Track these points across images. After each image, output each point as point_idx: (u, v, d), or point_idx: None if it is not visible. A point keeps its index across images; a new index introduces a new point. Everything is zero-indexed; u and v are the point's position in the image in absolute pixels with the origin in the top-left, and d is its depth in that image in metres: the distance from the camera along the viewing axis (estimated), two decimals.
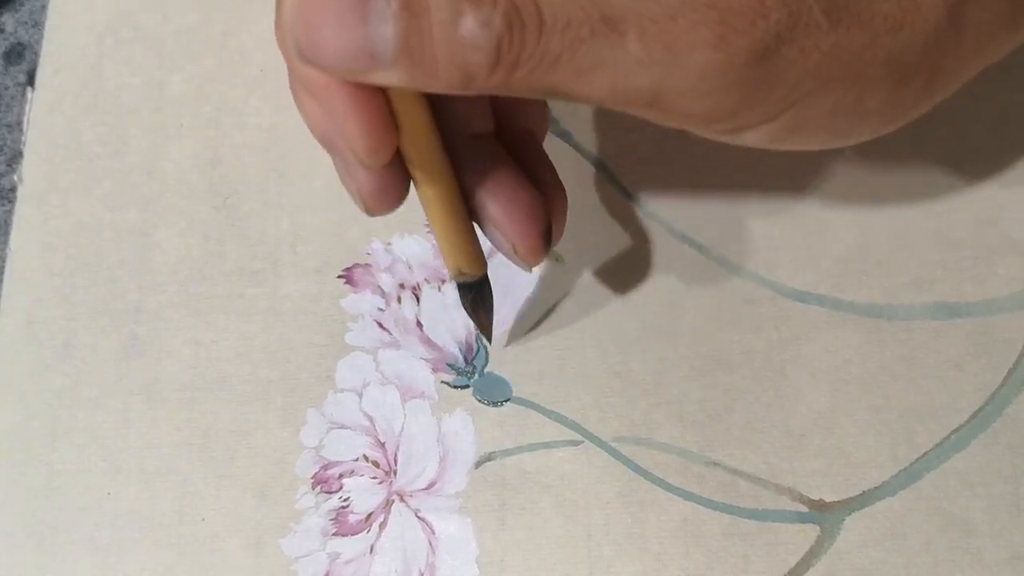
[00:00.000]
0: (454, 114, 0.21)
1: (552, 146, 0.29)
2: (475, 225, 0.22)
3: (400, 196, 0.21)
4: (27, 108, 0.33)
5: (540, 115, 0.24)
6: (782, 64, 0.18)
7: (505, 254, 0.22)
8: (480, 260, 0.23)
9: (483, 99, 0.22)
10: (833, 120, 0.19)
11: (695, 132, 0.19)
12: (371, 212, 0.21)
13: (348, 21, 0.16)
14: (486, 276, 0.24)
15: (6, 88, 0.33)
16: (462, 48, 0.16)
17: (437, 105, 0.20)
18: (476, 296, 0.24)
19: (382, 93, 0.18)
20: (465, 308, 0.25)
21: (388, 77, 0.17)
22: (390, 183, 0.21)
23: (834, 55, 0.18)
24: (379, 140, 0.19)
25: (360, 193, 0.21)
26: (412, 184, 0.21)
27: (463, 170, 0.21)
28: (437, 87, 0.17)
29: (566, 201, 0.23)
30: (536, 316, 0.28)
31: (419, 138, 0.20)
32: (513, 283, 0.28)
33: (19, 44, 0.34)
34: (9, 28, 0.34)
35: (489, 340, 0.27)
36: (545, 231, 0.22)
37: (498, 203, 0.22)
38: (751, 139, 0.20)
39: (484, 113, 0.22)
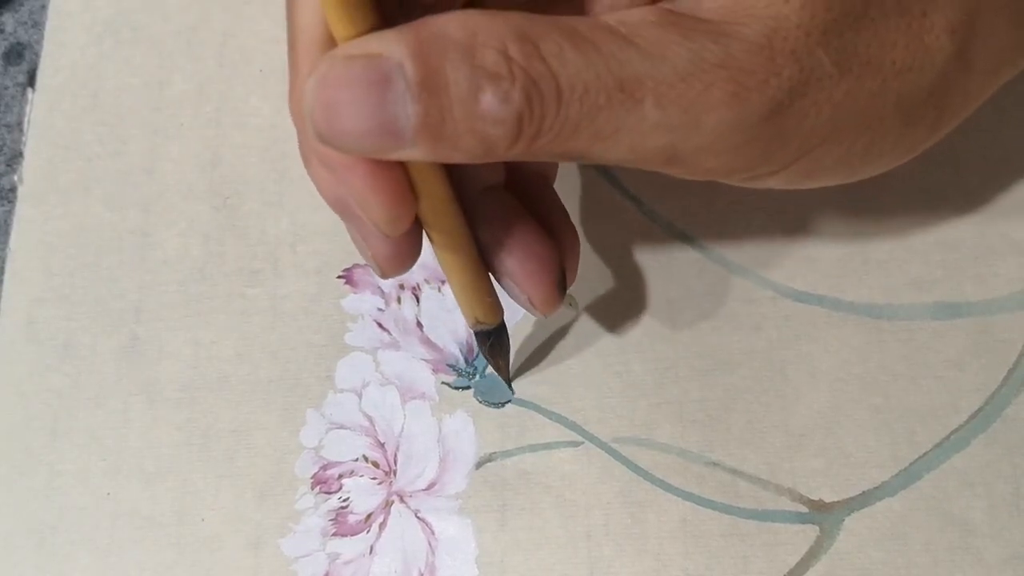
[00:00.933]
0: (466, 170, 0.21)
1: None
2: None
3: (414, 257, 0.21)
4: (27, 108, 0.33)
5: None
6: (795, 118, 0.18)
7: (521, 305, 0.23)
8: (497, 309, 0.23)
9: None
10: (845, 163, 0.19)
11: (714, 180, 0.19)
12: (386, 275, 0.21)
13: (367, 102, 0.16)
14: (503, 323, 0.24)
15: (6, 88, 0.33)
16: (483, 123, 0.16)
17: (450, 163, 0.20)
18: (494, 342, 0.24)
19: (400, 164, 0.18)
20: (483, 354, 0.25)
21: (409, 153, 0.17)
22: (406, 247, 0.20)
23: (845, 105, 0.18)
24: (400, 210, 0.19)
25: (376, 259, 0.21)
26: (428, 240, 0.21)
27: (477, 225, 0.22)
28: (457, 159, 0.17)
29: (578, 244, 0.23)
30: (533, 348, 0.28)
31: (437, 202, 0.20)
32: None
33: (19, 44, 0.34)
34: (9, 28, 0.34)
35: (508, 383, 0.27)
36: (559, 281, 0.22)
37: (513, 257, 0.22)
38: (768, 184, 0.20)
39: (496, 165, 0.22)
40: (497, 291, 0.23)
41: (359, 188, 0.18)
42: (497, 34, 0.16)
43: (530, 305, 0.22)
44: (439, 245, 0.21)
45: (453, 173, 0.20)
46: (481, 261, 0.22)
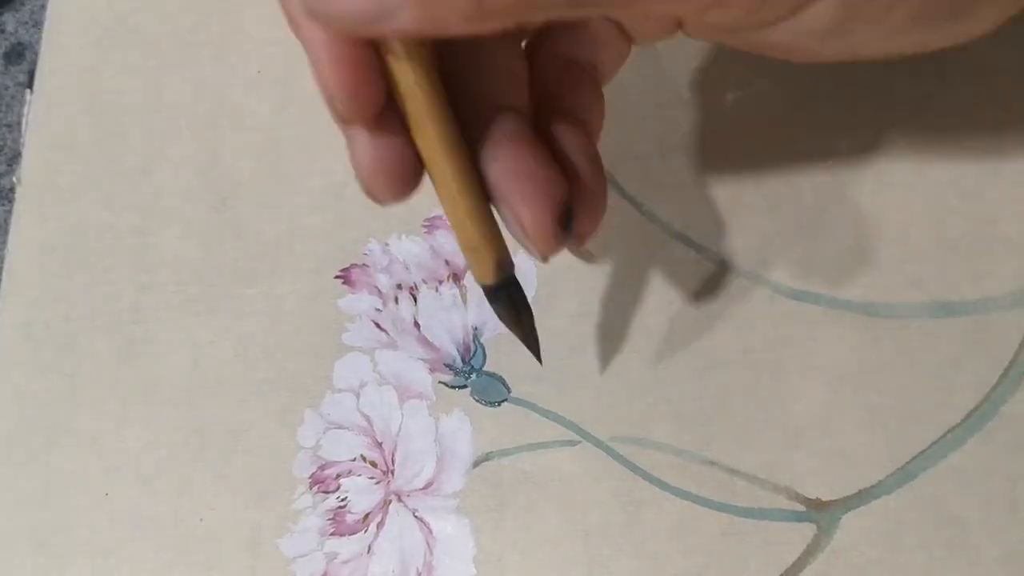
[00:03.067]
0: (480, 86, 0.19)
1: None
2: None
3: (405, 179, 0.19)
4: (26, 109, 0.33)
5: (593, 100, 0.21)
6: None
7: (516, 238, 0.20)
8: (502, 258, 0.20)
9: (515, 71, 0.20)
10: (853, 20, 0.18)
11: (737, 28, 0.18)
12: (371, 193, 0.19)
13: None
14: (514, 277, 0.21)
15: (6, 88, 0.33)
16: None
17: (460, 76, 0.18)
18: (509, 298, 0.21)
19: (368, 44, 0.17)
20: (500, 318, 0.22)
21: (399, 21, 0.15)
22: (391, 157, 0.18)
23: None
24: (356, 85, 0.17)
25: (359, 166, 0.18)
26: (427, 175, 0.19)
27: (480, 146, 0.19)
28: (452, 21, 0.15)
29: (603, 200, 0.21)
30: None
31: (420, 103, 0.18)
32: None
33: (19, 44, 0.34)
34: (9, 28, 0.34)
35: (536, 353, 0.23)
36: (561, 212, 0.19)
37: (509, 177, 0.19)
38: (773, 38, 0.18)
39: (517, 86, 0.20)
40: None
41: (314, 53, 0.17)
42: None
43: (523, 235, 0.19)
44: (425, 155, 0.18)
45: (462, 88, 0.18)
46: (481, 189, 0.19)
